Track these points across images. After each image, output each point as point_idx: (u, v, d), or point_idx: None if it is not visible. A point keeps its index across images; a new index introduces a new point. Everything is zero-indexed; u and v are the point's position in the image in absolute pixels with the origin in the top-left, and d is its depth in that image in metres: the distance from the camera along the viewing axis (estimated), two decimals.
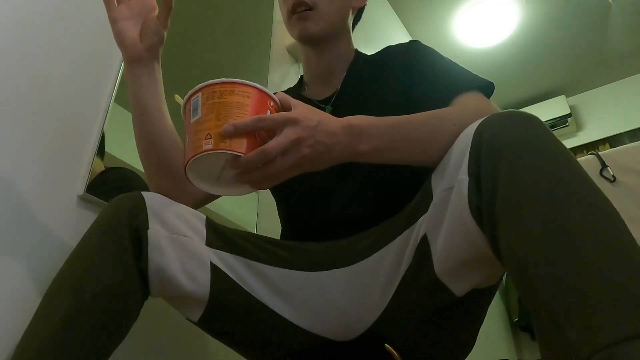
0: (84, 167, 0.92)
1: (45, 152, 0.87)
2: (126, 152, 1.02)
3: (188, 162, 0.56)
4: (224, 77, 0.58)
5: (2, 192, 0.78)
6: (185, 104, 0.60)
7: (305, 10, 0.88)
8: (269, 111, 0.59)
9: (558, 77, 3.55)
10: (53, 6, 0.94)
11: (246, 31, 1.56)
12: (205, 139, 0.55)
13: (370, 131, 0.62)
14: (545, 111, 3.56)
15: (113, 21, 0.72)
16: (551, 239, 0.43)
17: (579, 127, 3.63)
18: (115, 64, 1.04)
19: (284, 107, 0.61)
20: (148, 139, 0.77)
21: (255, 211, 1.37)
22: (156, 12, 0.75)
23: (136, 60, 0.74)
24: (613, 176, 1.39)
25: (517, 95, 3.72)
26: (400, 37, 2.93)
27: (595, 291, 0.38)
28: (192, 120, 0.57)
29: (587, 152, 2.52)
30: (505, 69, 3.40)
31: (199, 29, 1.35)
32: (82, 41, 0.99)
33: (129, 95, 0.77)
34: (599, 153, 1.46)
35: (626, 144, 2.10)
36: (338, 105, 0.90)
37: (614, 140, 3.43)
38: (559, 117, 3.52)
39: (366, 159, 0.63)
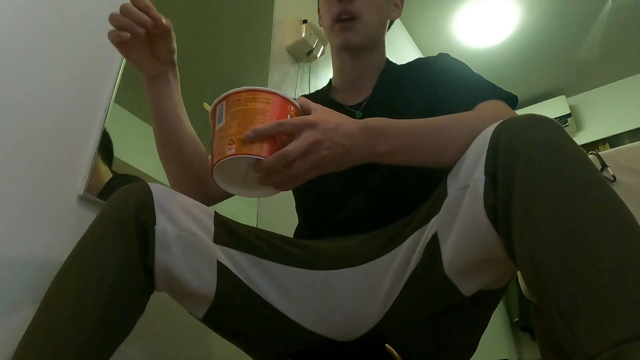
0: (84, 167, 0.92)
1: (45, 152, 0.87)
2: (135, 157, 1.03)
3: (214, 166, 0.60)
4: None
5: (2, 192, 0.78)
6: (212, 112, 0.63)
7: (349, 19, 0.90)
8: (289, 116, 0.61)
9: (558, 77, 3.55)
10: (53, 7, 0.94)
11: (246, 31, 1.56)
12: (229, 144, 0.58)
13: (388, 133, 0.64)
14: (545, 111, 3.55)
15: (126, 55, 0.74)
16: (565, 239, 0.44)
17: (579, 127, 3.63)
18: (115, 64, 1.04)
19: (304, 112, 0.64)
20: (170, 146, 0.81)
21: (255, 211, 1.38)
22: (160, 20, 0.72)
23: (157, 76, 0.77)
24: (613, 176, 1.38)
25: (517, 95, 3.71)
26: (401, 37, 2.93)
27: (607, 290, 0.39)
28: (218, 127, 0.61)
29: (587, 152, 2.51)
30: (505, 69, 3.40)
31: (199, 30, 1.35)
32: (82, 41, 0.99)
33: (149, 106, 0.80)
34: (599, 153, 1.46)
35: (626, 144, 2.10)
36: (368, 110, 0.92)
37: (614, 140, 3.44)
38: (559, 117, 3.52)
39: (384, 159, 0.65)
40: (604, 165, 1.41)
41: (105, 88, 1.01)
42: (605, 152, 1.46)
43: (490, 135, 0.56)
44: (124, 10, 0.68)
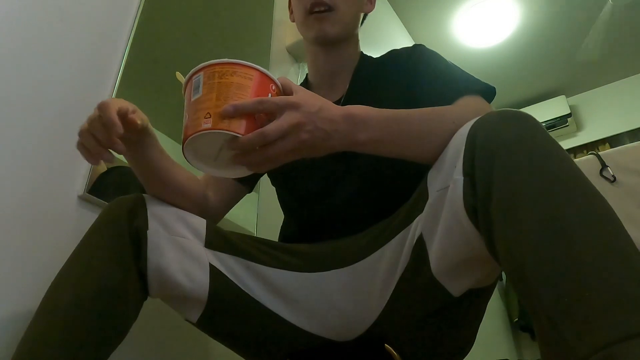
0: (84, 167, 0.92)
1: (45, 152, 0.87)
2: None
3: (186, 140, 0.56)
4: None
5: (2, 192, 0.78)
6: (187, 82, 0.59)
7: (324, 10, 0.87)
8: (270, 94, 0.58)
9: (558, 77, 3.55)
10: (53, 6, 0.94)
11: (246, 31, 1.56)
12: (205, 118, 0.54)
13: (370, 121, 0.62)
14: (545, 111, 3.56)
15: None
16: (547, 239, 0.43)
17: (579, 127, 3.62)
18: (115, 64, 1.04)
19: (285, 92, 0.61)
20: (167, 191, 0.74)
21: (255, 211, 1.37)
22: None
23: (132, 146, 0.69)
24: (613, 176, 1.38)
25: (517, 95, 3.72)
26: (401, 37, 2.93)
27: (592, 291, 0.38)
28: (193, 98, 0.57)
29: (587, 152, 2.52)
30: (505, 69, 3.40)
31: (199, 30, 1.35)
32: (82, 41, 0.99)
33: (133, 168, 0.73)
34: (599, 153, 1.46)
35: (626, 144, 2.10)
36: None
37: (614, 140, 3.43)
38: (559, 117, 3.52)
39: (364, 149, 0.63)
40: (604, 165, 1.41)
41: (105, 88, 1.01)
42: (605, 152, 1.46)
43: (466, 134, 0.56)
44: (93, 127, 0.59)
